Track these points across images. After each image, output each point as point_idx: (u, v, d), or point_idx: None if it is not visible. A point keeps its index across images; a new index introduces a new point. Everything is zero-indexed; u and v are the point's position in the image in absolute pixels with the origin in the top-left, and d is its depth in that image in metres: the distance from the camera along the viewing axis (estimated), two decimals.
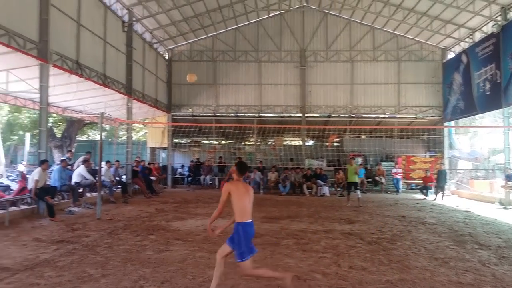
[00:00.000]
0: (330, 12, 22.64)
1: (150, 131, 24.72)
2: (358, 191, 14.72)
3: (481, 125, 27.69)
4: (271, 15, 22.88)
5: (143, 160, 19.10)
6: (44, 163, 10.45)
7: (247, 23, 22.91)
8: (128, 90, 17.07)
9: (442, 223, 10.68)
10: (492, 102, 17.11)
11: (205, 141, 25.00)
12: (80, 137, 29.60)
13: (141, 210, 12.03)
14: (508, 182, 15.13)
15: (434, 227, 9.98)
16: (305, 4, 22.61)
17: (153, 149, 24.50)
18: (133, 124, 25.05)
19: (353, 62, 22.69)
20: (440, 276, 5.69)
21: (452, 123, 22.00)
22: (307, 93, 22.73)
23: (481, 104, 18.08)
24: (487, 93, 17.36)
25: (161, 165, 22.53)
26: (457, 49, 21.04)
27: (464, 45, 20.11)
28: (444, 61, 22.15)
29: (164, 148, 24.01)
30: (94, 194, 13.23)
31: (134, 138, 30.28)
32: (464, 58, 19.57)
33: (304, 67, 22.70)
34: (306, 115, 22.69)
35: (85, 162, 13.33)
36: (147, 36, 20.02)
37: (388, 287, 5.20)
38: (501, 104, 16.26)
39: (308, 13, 22.91)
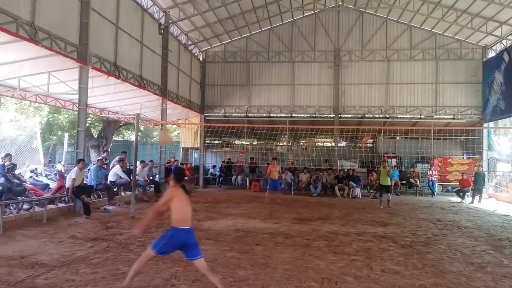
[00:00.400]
0: (366, 11, 22.27)
1: (183, 131, 25.10)
2: (389, 194, 14.41)
3: None
4: (305, 15, 22.74)
5: (177, 160, 19.40)
6: (81, 163, 10.79)
7: (281, 23, 22.87)
8: (163, 91, 17.39)
9: (479, 227, 10.32)
10: None
11: (237, 142, 25.14)
12: (116, 138, 30.32)
13: None
14: None
15: (471, 231, 9.66)
16: (340, 3, 22.34)
17: (185, 149, 24.85)
18: (167, 125, 25.50)
19: (389, 61, 22.24)
20: (476, 282, 5.53)
21: (492, 123, 21.17)
22: (341, 93, 22.44)
23: None
24: None
25: (193, 165, 22.81)
26: (499, 47, 20.25)
27: (506, 43, 19.32)
28: (485, 59, 21.35)
29: (197, 149, 24.31)
30: (129, 193, 13.57)
31: None
32: (506, 57, 18.81)
33: (338, 67, 22.43)
34: (339, 115, 22.41)
35: (120, 161, 13.67)
36: (182, 38, 20.33)
37: None
38: None
39: (343, 12, 22.64)
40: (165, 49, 17.55)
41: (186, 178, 18.17)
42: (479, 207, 15.31)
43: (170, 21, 17.82)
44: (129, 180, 12.90)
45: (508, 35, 19.04)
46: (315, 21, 22.77)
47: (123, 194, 13.90)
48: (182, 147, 24.89)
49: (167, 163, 18.04)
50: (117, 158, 14.42)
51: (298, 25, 22.85)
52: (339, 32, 22.61)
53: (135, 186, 11.09)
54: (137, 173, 12.63)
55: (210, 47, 23.25)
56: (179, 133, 28.06)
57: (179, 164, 18.42)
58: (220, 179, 22.00)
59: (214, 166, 23.78)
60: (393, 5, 20.11)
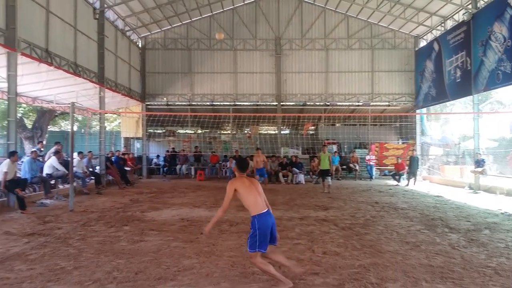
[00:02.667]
0: (305, 0, 22.60)
1: (124, 120, 24.31)
2: (329, 178, 14.87)
3: (452, 112, 28.35)
4: (246, 2, 22.70)
5: (118, 151, 18.81)
6: (14, 155, 10.18)
7: (222, 10, 22.67)
8: (100, 79, 16.70)
9: (414, 208, 10.94)
10: (462, 89, 17.51)
11: (181, 131, 24.80)
12: (52, 128, 28.89)
13: (116, 201, 11.87)
14: (478, 168, 15.60)
15: (406, 212, 10.22)
16: None
17: (127, 139, 24.14)
18: (106, 114, 24.60)
19: (328, 50, 22.81)
20: (411, 260, 5.83)
21: (424, 110, 22.47)
22: (283, 82, 22.76)
23: (452, 91, 18.49)
24: (458, 80, 17.76)
25: (135, 155, 22.26)
26: (429, 37, 21.39)
27: (436, 33, 20.44)
28: (417, 49, 22.51)
29: (139, 138, 23.70)
30: (67, 186, 12.97)
31: (108, 128, 29.78)
32: (436, 46, 19.92)
33: (280, 55, 22.69)
34: (281, 103, 22.75)
35: (56, 153, 13.03)
36: (120, 24, 19.58)
37: (360, 271, 5.27)
38: (471, 91, 16.67)
39: (283, 1, 22.84)
40: (101, 34, 16.81)
41: (129, 169, 17.76)
42: (414, 189, 16.19)
43: (105, 6, 17.07)
44: (67, 172, 12.35)
45: (438, 25, 20.14)
46: (256, 9, 22.81)
47: (61, 187, 13.30)
48: (124, 137, 24.16)
49: (108, 153, 17.45)
50: (52, 150, 13.72)
51: (239, 12, 22.78)
52: (279, 20, 22.82)
53: (72, 178, 10.64)
54: (74, 165, 12.15)
55: (149, 33, 22.61)
56: (120, 122, 27.18)
57: (120, 155, 17.88)
58: (165, 169, 21.63)
59: (158, 156, 23.33)
60: None
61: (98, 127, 21.32)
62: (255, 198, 4.69)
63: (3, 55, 10.75)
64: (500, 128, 28.62)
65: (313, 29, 22.84)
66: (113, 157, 16.88)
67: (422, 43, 22.22)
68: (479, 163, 15.65)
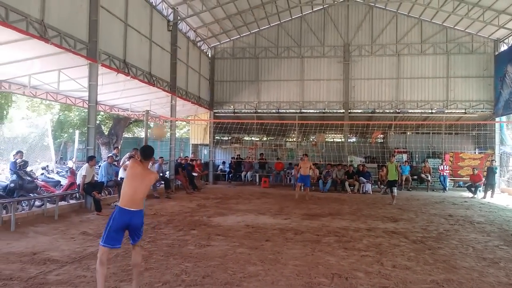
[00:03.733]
0: (376, 5, 22.06)
1: (193, 128, 25.15)
2: (395, 189, 14.28)
3: None
4: (314, 10, 22.60)
5: (186, 157, 19.44)
6: (92, 160, 10.86)
7: (290, 18, 22.75)
8: (172, 88, 17.41)
9: (491, 222, 10.21)
10: None
11: (246, 138, 25.14)
12: (126, 135, 30.50)
13: (183, 205, 12.26)
14: None
15: (483, 226, 9.56)
16: None
17: (195, 146, 24.92)
18: (177, 121, 25.55)
19: (399, 55, 22.02)
20: (489, 277, 5.47)
21: (504, 118, 20.88)
22: (351, 89, 22.29)
23: None
24: None
25: (203, 161, 22.89)
26: (511, 40, 19.93)
27: None
28: (497, 53, 21.04)
29: (206, 145, 24.36)
30: None
31: (178, 135, 30.91)
32: None
33: (348, 61, 22.27)
34: (349, 111, 22.28)
35: (130, 158, 13.67)
36: (191, 35, 20.33)
37: (433, 287, 5.01)
38: None
39: (352, 7, 22.45)
40: (174, 45, 17.55)
41: (196, 174, 18.28)
42: (491, 202, 15.13)
43: (178, 18, 17.81)
44: None
45: None
46: (324, 16, 22.61)
47: None
48: (192, 144, 24.97)
49: (176, 160, 18.08)
50: (127, 155, 14.38)
51: (307, 20, 22.72)
52: (348, 26, 22.43)
53: None
54: None
55: (219, 43, 23.23)
56: (189, 129, 28.12)
57: (188, 161, 18.47)
58: (230, 175, 22.03)
59: (223, 162, 23.82)
60: None
61: (169, 134, 22.22)
62: (130, 191, 4.48)
63: (85, 66, 11.53)
64: None
65: (384, 35, 22.18)
66: (184, 164, 17.43)
67: (503, 47, 20.73)
68: None
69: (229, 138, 24.83)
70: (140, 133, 32.40)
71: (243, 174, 21.97)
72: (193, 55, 20.53)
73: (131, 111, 18.93)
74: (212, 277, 5.21)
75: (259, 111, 23.25)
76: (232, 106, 23.52)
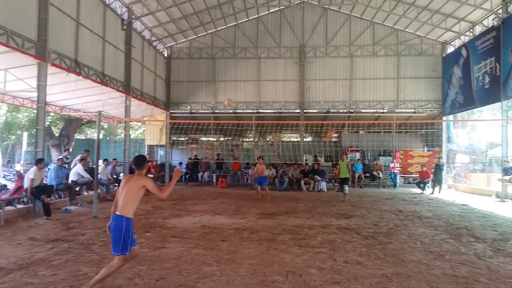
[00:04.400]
0: (330, 7, 22.56)
1: (148, 128, 24.72)
2: (346, 187, 14.67)
3: (480, 119, 27.65)
4: (271, 11, 22.82)
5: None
6: (40, 162, 10.45)
7: (246, 19, 22.87)
8: (127, 88, 17.05)
9: (439, 217, 10.70)
10: (491, 95, 17.08)
11: (203, 138, 25.01)
12: (78, 136, 29.59)
13: (138, 207, 11.78)
14: (505, 176, 15.15)
15: (431, 221, 10.01)
16: None
17: (151, 147, 24.49)
18: (131, 122, 25.05)
19: (352, 57, 22.65)
20: (435, 270, 5.72)
21: (451, 117, 21.97)
22: (306, 89, 22.71)
23: (480, 97, 18.05)
24: (486, 86, 17.34)
25: (159, 162, 22.54)
26: (457, 43, 20.99)
27: (464, 38, 20.06)
28: (444, 55, 22.10)
29: (162, 146, 24.02)
30: (91, 193, 13.25)
31: (132, 136, 30.31)
32: (464, 52, 19.53)
33: (304, 63, 22.66)
34: (304, 111, 22.67)
35: (82, 160, 13.32)
36: (146, 34, 19.99)
37: (383, 281, 5.20)
38: (500, 97, 16.24)
39: (308, 9, 22.85)
40: (128, 45, 17.21)
41: (152, 176, 17.98)
42: (439, 198, 15.85)
43: (133, 17, 17.48)
44: (92, 179, 12.60)
45: (466, 31, 19.75)
46: (280, 18, 22.90)
47: (85, 193, 13.57)
48: (147, 145, 24.53)
49: (131, 161, 17.72)
50: (78, 157, 14.05)
51: (263, 21, 22.91)
52: (304, 28, 22.83)
53: (97, 185, 10.85)
54: (99, 172, 12.37)
55: (175, 43, 22.99)
56: (144, 130, 27.61)
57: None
58: (187, 176, 21.82)
59: (180, 163, 23.56)
60: (356, 1, 20.45)
61: (123, 135, 21.72)
62: (119, 196, 4.81)
63: (34, 65, 11.09)
64: None
65: (338, 36, 22.74)
66: None
67: (450, 49, 21.79)
68: (507, 171, 15.19)
69: (186, 138, 24.60)
70: (93, 134, 31.47)
71: (200, 174, 21.84)
72: (149, 54, 20.19)
73: (83, 112, 18.36)
74: (166, 279, 5.16)
75: (216, 111, 23.22)
76: (189, 107, 23.35)
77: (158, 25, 20.08)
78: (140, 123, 30.95)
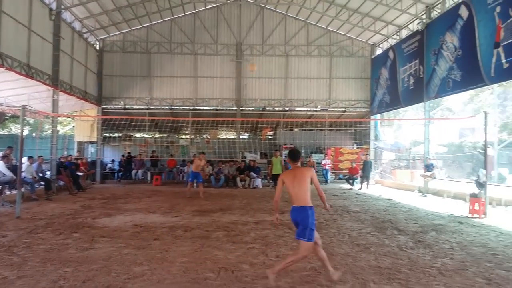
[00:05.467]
0: (267, 6, 22.82)
1: (78, 124, 23.58)
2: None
3: (404, 118, 29.41)
4: (208, 7, 22.61)
5: (70, 155, 18.20)
6: None
7: (183, 14, 22.48)
8: (54, 82, 16.13)
9: (366, 211, 11.27)
10: (415, 96, 18.19)
11: (138, 135, 24.34)
12: (1, 132, 27.68)
13: (66, 207, 11.46)
14: (427, 172, 16.24)
15: (358, 215, 10.52)
16: None
17: (80, 143, 23.39)
18: (60, 118, 23.81)
19: (287, 56, 23.10)
20: (361, 262, 6.00)
21: (378, 116, 23.19)
22: (243, 87, 22.84)
23: (405, 98, 19.17)
24: (411, 87, 18.45)
25: (89, 160, 21.64)
26: (385, 45, 22.09)
27: (392, 41, 21.14)
28: (373, 56, 23.20)
29: (93, 142, 23.03)
30: (14, 192, 12.43)
31: (61, 132, 28.83)
32: (391, 54, 20.61)
33: (240, 60, 22.76)
34: (241, 108, 22.80)
35: (4, 157, 12.46)
36: (77, 25, 19.02)
37: (312, 274, 5.39)
38: (423, 98, 17.35)
39: (245, 7, 22.94)
40: (57, 36, 16.26)
41: (81, 174, 17.25)
42: (367, 193, 16.67)
43: (62, 6, 16.54)
44: (14, 177, 11.82)
45: (393, 34, 20.85)
46: (217, 14, 22.80)
47: (8, 192, 12.73)
48: (77, 141, 23.43)
49: (60, 158, 16.87)
50: (0, 154, 13.12)
51: (200, 17, 22.69)
52: (241, 26, 22.92)
53: (20, 184, 10.21)
54: (23, 170, 11.67)
55: (108, 35, 22.09)
56: (74, 126, 26.35)
57: (72, 159, 17.31)
58: (120, 174, 21.14)
59: (113, 161, 22.78)
60: (291, 1, 20.86)
61: (50, 131, 20.57)
62: (292, 192, 5.08)
63: None
64: (449, 134, 30.01)
65: (274, 36, 23.08)
66: (65, 162, 16.30)
67: (378, 51, 22.93)
68: (428, 167, 16.30)
69: (119, 135, 23.81)
70: (18, 130, 29.52)
71: (133, 172, 21.23)
72: (79, 47, 19.26)
73: (6, 106, 17.15)
74: (94, 280, 4.99)
75: (151, 107, 22.69)
76: (122, 102, 22.60)
77: (89, 16, 19.19)
78: (69, 119, 29.47)
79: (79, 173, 16.92)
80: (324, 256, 5.18)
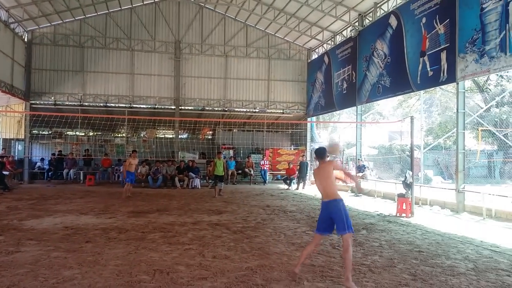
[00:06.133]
0: (206, 6, 22.74)
1: (4, 120, 22.07)
2: (222, 183, 15.17)
3: (338, 121, 30.57)
4: (145, 3, 22.12)
5: None
6: None
7: (119, 9, 21.79)
8: None
9: (301, 211, 11.61)
10: (348, 100, 19.01)
11: (70, 133, 23.23)
12: None
13: None
14: (359, 173, 17.02)
15: (294, 215, 10.81)
16: None
17: (6, 141, 21.90)
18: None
19: (227, 57, 23.17)
20: (295, 260, 6.10)
21: (314, 118, 23.93)
22: (182, 85, 22.59)
23: (339, 101, 19.96)
24: (344, 92, 19.25)
25: (16, 158, 20.34)
26: (321, 50, 22.87)
27: (327, 47, 21.95)
28: (309, 61, 23.90)
29: (21, 140, 21.66)
30: None
31: None
32: (326, 59, 21.37)
33: (179, 59, 22.49)
34: (180, 107, 22.53)
35: None
36: (2, 14, 17.79)
37: (248, 274, 5.44)
38: (356, 102, 18.18)
39: (183, 5, 22.70)
40: None
41: (7, 173, 16.21)
42: (303, 193, 17.15)
43: None
44: None
45: (328, 40, 21.65)
46: (155, 11, 22.37)
47: None
48: (2, 138, 21.90)
49: None
50: None
51: (137, 12, 22.14)
52: (179, 24, 22.65)
53: None
54: None
55: (37, 27, 20.87)
56: None
57: None
58: (50, 173, 20.07)
59: (42, 159, 21.57)
60: (230, 2, 20.96)
61: None
62: (320, 186, 5.33)
63: None
64: (380, 137, 31.63)
65: (213, 35, 23.05)
66: None
67: (314, 56, 23.67)
68: (360, 168, 17.10)
69: (49, 132, 22.58)
70: None
71: (65, 171, 20.26)
72: (5, 38, 18.03)
73: None
74: (19, 286, 4.72)
75: (84, 104, 21.78)
76: (53, 98, 21.48)
77: (16, 6, 18.04)
78: None
79: (4, 172, 15.91)
80: (307, 253, 5.50)
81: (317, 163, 5.73)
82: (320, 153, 5.52)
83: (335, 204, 5.16)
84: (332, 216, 5.18)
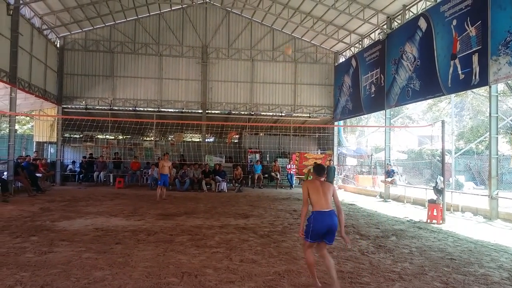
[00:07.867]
0: (232, 11, 22.90)
1: (37, 124, 22.78)
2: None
3: (366, 125, 30.18)
4: (173, 8, 22.46)
5: (28, 156, 17.58)
6: None
7: (148, 15, 22.22)
8: (12, 79, 15.55)
9: None
10: (376, 103, 18.72)
11: (100, 136, 23.75)
12: None
13: (24, 209, 11.07)
14: (388, 178, 16.71)
15: None
16: (207, 0, 22.58)
17: (40, 144, 22.60)
18: (18, 116, 22.94)
19: (253, 61, 23.25)
20: (323, 266, 5.93)
21: (341, 122, 23.69)
22: (208, 90, 22.78)
23: (367, 105, 19.69)
24: (372, 95, 18.97)
25: (49, 161, 20.93)
26: (348, 53, 22.64)
27: (354, 50, 21.71)
28: (336, 64, 23.71)
29: (53, 143, 22.29)
30: None
31: (19, 131, 27.76)
32: (353, 62, 21.13)
33: (206, 63, 22.70)
34: (206, 111, 22.72)
35: None
36: (36, 22, 18.41)
37: (275, 278, 5.40)
38: (384, 106, 17.89)
39: (210, 10, 22.93)
40: (15, 32, 15.69)
41: (40, 175, 16.69)
42: None
43: (21, 2, 16.00)
44: None
45: (356, 43, 21.41)
46: (183, 16, 22.68)
47: None
48: (36, 141, 22.62)
49: (18, 158, 16.25)
50: None
51: (165, 18, 22.50)
52: (206, 29, 22.88)
53: None
54: None
55: (69, 33, 21.50)
56: (33, 125, 25.43)
57: (31, 160, 16.72)
58: (81, 175, 20.57)
59: (73, 162, 22.12)
60: (257, 7, 21.01)
61: (7, 130, 19.76)
62: (317, 198, 5.12)
63: None
64: (409, 142, 31.05)
65: (240, 40, 23.18)
66: (23, 163, 15.73)
67: (341, 59, 23.45)
68: (389, 173, 16.78)
69: (80, 136, 23.16)
70: None
71: (95, 174, 20.71)
72: (39, 44, 18.64)
73: None
74: (52, 285, 4.84)
75: (114, 108, 22.23)
76: (84, 102, 22.03)
77: (50, 13, 18.64)
78: (28, 118, 28.41)
79: (38, 174, 16.38)
80: (312, 263, 5.26)
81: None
82: (319, 171, 5.50)
83: (335, 216, 5.14)
84: (330, 225, 5.08)
